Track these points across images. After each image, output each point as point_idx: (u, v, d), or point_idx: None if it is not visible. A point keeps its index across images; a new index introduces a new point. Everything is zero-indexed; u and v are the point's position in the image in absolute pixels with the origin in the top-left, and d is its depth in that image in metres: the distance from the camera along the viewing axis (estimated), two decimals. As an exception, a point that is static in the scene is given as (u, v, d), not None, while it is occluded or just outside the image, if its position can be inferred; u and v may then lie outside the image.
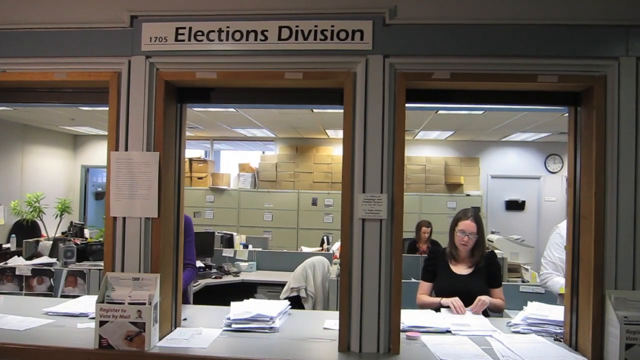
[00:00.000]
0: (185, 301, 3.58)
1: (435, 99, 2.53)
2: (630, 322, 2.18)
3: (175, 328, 2.64)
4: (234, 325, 2.67)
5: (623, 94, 2.33)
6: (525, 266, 5.84)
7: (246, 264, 6.65)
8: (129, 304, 2.32)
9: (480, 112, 7.44)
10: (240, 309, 2.82)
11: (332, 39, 2.39)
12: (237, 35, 2.43)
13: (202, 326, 2.70)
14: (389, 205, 2.36)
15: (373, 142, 2.37)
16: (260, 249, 7.21)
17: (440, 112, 7.48)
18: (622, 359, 2.17)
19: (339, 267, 2.83)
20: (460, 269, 3.37)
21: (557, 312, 2.77)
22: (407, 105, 2.44)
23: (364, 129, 2.37)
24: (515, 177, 11.02)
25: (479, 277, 3.31)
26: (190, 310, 3.07)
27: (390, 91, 2.38)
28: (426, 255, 3.58)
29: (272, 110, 7.79)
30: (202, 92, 2.63)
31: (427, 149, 11.06)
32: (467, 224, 3.32)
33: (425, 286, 3.42)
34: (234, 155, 14.14)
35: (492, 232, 9.01)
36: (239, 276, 6.33)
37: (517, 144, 10.96)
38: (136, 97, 2.46)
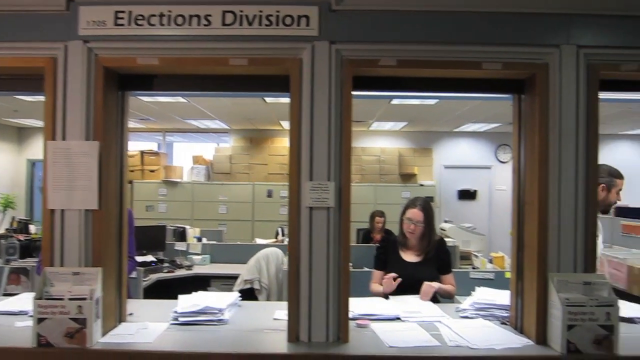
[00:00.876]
0: (128, 295, 3.49)
1: (382, 86, 2.53)
2: (571, 304, 2.23)
3: (120, 323, 2.56)
4: (181, 319, 2.61)
5: (564, 81, 2.38)
6: (476, 253, 5.95)
7: (199, 257, 6.55)
8: (69, 299, 2.23)
9: (433, 102, 7.52)
10: (189, 302, 2.76)
11: (277, 24, 2.35)
12: (180, 20, 2.36)
13: (149, 320, 2.62)
14: (336, 193, 2.34)
15: (320, 130, 2.34)
16: (214, 242, 7.11)
17: (393, 102, 7.52)
18: (564, 340, 2.22)
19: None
20: (411, 257, 3.39)
21: (503, 297, 2.82)
22: (354, 92, 2.42)
23: (311, 116, 2.34)
24: (467, 167, 11.23)
25: (429, 264, 3.34)
26: (137, 305, 2.99)
27: (337, 78, 2.35)
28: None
29: (225, 101, 7.68)
30: (145, 79, 2.54)
31: (381, 140, 11.14)
32: (415, 212, 3.34)
33: (377, 274, 3.43)
34: (188, 148, 13.92)
35: (446, 221, 9.16)
36: (192, 270, 6.23)
37: (469, 134, 11.16)
38: (73, 84, 2.35)
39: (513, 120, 2.62)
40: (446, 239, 6.92)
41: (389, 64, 2.35)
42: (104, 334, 2.37)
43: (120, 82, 2.53)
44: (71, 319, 2.21)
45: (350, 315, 2.71)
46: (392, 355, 2.19)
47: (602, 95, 2.85)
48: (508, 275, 3.13)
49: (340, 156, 2.35)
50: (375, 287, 3.37)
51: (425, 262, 3.35)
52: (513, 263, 2.59)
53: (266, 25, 2.35)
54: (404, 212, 3.41)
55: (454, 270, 4.84)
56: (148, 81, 2.55)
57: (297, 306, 2.35)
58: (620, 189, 3.63)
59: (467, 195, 11.20)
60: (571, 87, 2.38)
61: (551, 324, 2.32)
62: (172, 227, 7.08)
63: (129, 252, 3.34)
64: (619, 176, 3.61)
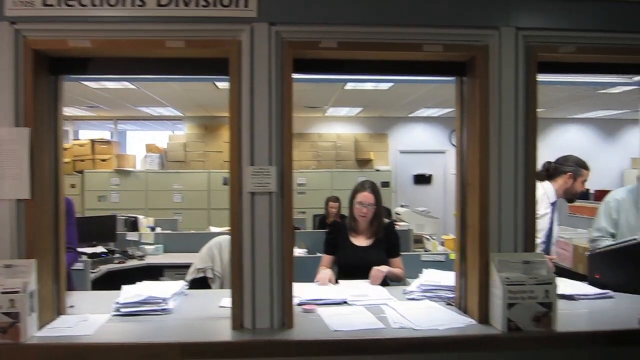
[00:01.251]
0: (70, 287, 3.39)
1: (324, 69, 2.49)
2: (511, 283, 2.26)
3: (59, 316, 2.48)
4: (123, 310, 2.54)
5: (504, 63, 2.39)
6: (428, 236, 6.03)
7: (152, 247, 6.44)
8: (1, 293, 2.14)
9: (386, 87, 7.55)
10: (131, 292, 2.69)
11: (215, 5, 2.28)
12: (113, 1, 2.26)
13: (91, 313, 2.54)
14: (278, 177, 2.31)
15: (260, 113, 2.30)
16: (169, 231, 7.00)
17: (347, 87, 7.52)
18: (505, 318, 2.26)
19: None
20: (360, 241, 3.39)
21: (449, 278, 2.85)
22: (296, 75, 2.39)
23: (251, 99, 2.29)
24: (422, 151, 11.36)
25: (378, 248, 3.36)
26: (79, 297, 2.90)
27: (277, 60, 2.31)
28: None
29: (176, 87, 7.52)
30: (78, 62, 2.43)
31: (337, 126, 11.15)
32: (365, 196, 3.34)
33: (326, 259, 3.43)
34: (142, 137, 13.62)
35: (402, 206, 9.25)
36: (144, 260, 6.12)
37: (424, 119, 11.28)
38: (0, 68, 2.23)
39: (455, 103, 2.63)
40: (401, 223, 7.05)
41: (330, 46, 2.31)
42: (41, 327, 2.28)
43: (53, 66, 2.41)
44: (3, 313, 2.12)
45: (298, 300, 2.71)
46: (336, 339, 2.19)
47: (545, 77, 2.91)
48: (452, 256, 3.17)
49: (282, 140, 2.31)
50: (321, 270, 3.35)
51: (374, 245, 3.36)
52: (457, 244, 2.62)
53: (203, 6, 2.27)
54: (353, 197, 3.40)
55: (407, 253, 4.93)
56: (82, 65, 2.44)
57: (241, 293, 2.31)
58: (586, 180, 3.73)
59: (422, 179, 11.34)
60: (510, 68, 2.39)
61: (493, 303, 2.36)
62: (123, 217, 6.91)
63: (70, 243, 3.23)
64: (586, 167, 3.72)
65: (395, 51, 2.38)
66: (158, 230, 7.02)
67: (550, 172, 3.73)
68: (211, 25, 2.29)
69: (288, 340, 2.18)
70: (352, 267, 3.22)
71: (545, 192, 3.64)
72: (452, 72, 2.56)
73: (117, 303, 2.57)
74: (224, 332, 2.29)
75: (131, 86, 7.36)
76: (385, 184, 10.32)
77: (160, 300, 2.59)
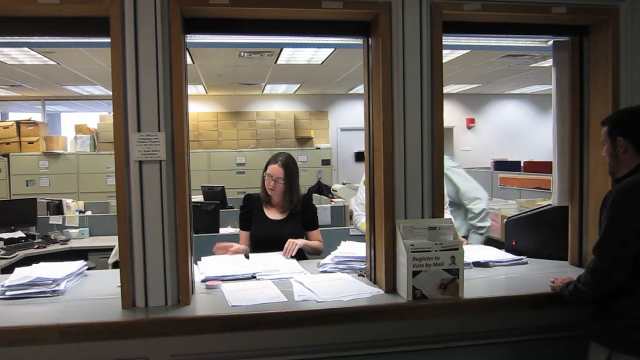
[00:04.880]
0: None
1: (219, 29, 2.32)
2: (416, 250, 2.18)
3: None
4: (8, 293, 2.34)
5: (407, 21, 2.30)
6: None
7: (77, 230, 6.14)
8: None
9: (319, 62, 7.43)
10: (22, 274, 2.49)
11: (91, -45, 2.07)
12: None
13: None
14: (168, 144, 2.14)
15: (147, 76, 2.11)
16: (97, 214, 6.70)
17: (279, 62, 7.35)
18: (410, 286, 2.18)
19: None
20: (275, 214, 3.26)
21: (363, 249, 2.77)
22: (191, 36, 2.22)
23: (136, 60, 2.11)
24: (363, 129, 11.25)
25: (293, 221, 3.23)
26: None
27: (164, 19, 2.12)
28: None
29: (101, 64, 7.15)
30: None
31: (276, 104, 10.96)
32: (274, 169, 3.20)
33: (243, 235, 3.28)
34: (77, 119, 13.03)
35: (344, 184, 9.19)
36: (67, 244, 5.83)
37: (362, 96, 11.20)
38: None
39: (363, 66, 2.51)
40: (336, 200, 6.98)
41: (221, 3, 2.14)
42: None
43: None
44: None
45: (202, 277, 2.57)
46: (231, 314, 2.06)
47: (458, 40, 2.83)
48: (363, 226, 3.08)
49: (171, 104, 2.14)
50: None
51: (289, 218, 3.24)
52: (367, 213, 2.52)
53: (77, -44, 2.07)
54: (265, 168, 3.26)
55: (335, 228, 4.85)
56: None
57: (131, 270, 2.15)
58: None
59: (363, 157, 11.29)
60: (414, 27, 2.30)
61: (399, 271, 2.28)
62: (45, 200, 6.56)
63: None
64: None
65: (293, 7, 2.23)
66: (88, 213, 6.70)
67: None
68: (87, -22, 2.09)
69: (178, 318, 2.04)
70: (265, 240, 3.09)
71: None
72: (356, 33, 2.44)
73: (2, 286, 2.37)
74: (113, 311, 2.12)
75: (51, 62, 6.96)
76: (326, 162, 10.25)
77: (50, 282, 2.40)
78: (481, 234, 3.98)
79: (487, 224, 3.99)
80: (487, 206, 4.04)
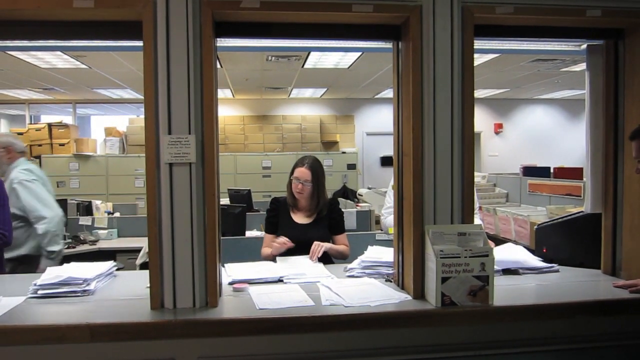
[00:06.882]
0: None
1: (249, 32, 2.33)
2: (445, 256, 2.16)
3: (-28, 299, 2.31)
4: (40, 292, 2.38)
5: (438, 24, 2.27)
6: (388, 216, 5.93)
7: (105, 231, 6.23)
8: None
9: (346, 66, 7.42)
10: (53, 273, 2.53)
11: (125, -39, 2.10)
12: (12, -44, 2.07)
13: (6, 295, 2.38)
14: (198, 147, 2.15)
15: (178, 79, 2.13)
16: (126, 216, 6.79)
17: (306, 66, 7.36)
18: (439, 293, 2.15)
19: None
20: (301, 218, 3.26)
21: (390, 254, 2.75)
22: (222, 39, 2.23)
23: (167, 64, 2.12)
24: (389, 133, 11.17)
25: (320, 225, 3.23)
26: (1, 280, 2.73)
27: (196, 22, 2.14)
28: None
29: (131, 68, 7.26)
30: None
31: (302, 108, 10.99)
32: (302, 171, 3.21)
33: (268, 238, 3.29)
34: (107, 121, 13.26)
35: (369, 188, 9.17)
36: (95, 244, 5.92)
37: (389, 100, 11.11)
38: None
39: (393, 70, 2.50)
40: (362, 204, 6.95)
41: (252, 6, 2.15)
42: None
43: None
44: None
45: (230, 280, 2.58)
46: (259, 317, 2.06)
47: (489, 43, 2.79)
48: (390, 230, 3.06)
49: (202, 107, 2.16)
50: (264, 250, 3.23)
51: (316, 222, 3.24)
52: (395, 218, 2.50)
53: (112, -39, 2.10)
54: (292, 172, 3.26)
55: (363, 233, 4.83)
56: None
57: (160, 271, 2.17)
58: None
59: (389, 161, 11.17)
60: (446, 31, 2.27)
61: (427, 277, 2.26)
62: (76, 202, 6.68)
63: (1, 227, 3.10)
64: None
65: (324, 11, 2.22)
66: (117, 215, 6.81)
67: None
68: (122, -18, 2.12)
69: (206, 320, 2.04)
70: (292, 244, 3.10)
71: None
72: (386, 36, 2.42)
73: (35, 285, 2.41)
74: (142, 312, 2.14)
75: (82, 66, 7.09)
76: (352, 166, 10.22)
77: (81, 281, 2.44)
78: (52, 259, 3.78)
79: (55, 248, 3.81)
80: (56, 228, 3.84)
